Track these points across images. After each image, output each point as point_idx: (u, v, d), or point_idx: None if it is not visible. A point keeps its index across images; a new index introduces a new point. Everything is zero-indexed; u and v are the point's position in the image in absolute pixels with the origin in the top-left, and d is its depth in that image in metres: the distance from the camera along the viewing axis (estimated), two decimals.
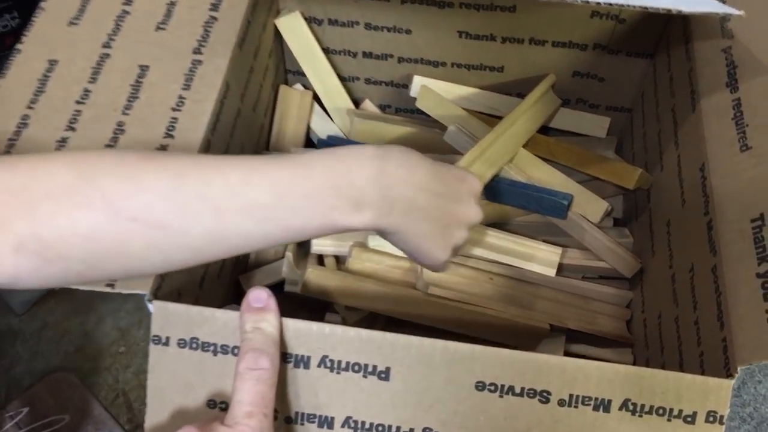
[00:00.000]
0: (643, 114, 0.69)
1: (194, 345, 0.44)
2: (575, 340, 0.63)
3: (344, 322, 0.59)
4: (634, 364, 0.61)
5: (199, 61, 0.55)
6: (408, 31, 0.69)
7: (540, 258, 0.59)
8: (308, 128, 0.73)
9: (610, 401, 0.42)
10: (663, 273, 0.57)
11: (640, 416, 0.42)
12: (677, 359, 0.51)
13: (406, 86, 0.75)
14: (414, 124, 0.71)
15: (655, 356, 0.56)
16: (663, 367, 0.54)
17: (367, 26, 0.69)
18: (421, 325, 0.58)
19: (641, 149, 0.68)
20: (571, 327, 0.60)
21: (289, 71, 0.76)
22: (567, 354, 0.62)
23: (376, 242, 0.60)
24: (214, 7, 0.58)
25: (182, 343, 0.44)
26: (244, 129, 0.62)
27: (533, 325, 0.58)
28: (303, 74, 0.74)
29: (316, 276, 0.55)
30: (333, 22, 0.70)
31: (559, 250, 0.60)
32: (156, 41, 0.56)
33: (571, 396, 0.42)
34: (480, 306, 0.57)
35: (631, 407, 0.42)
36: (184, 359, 0.44)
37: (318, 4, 0.68)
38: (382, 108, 0.77)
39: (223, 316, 0.44)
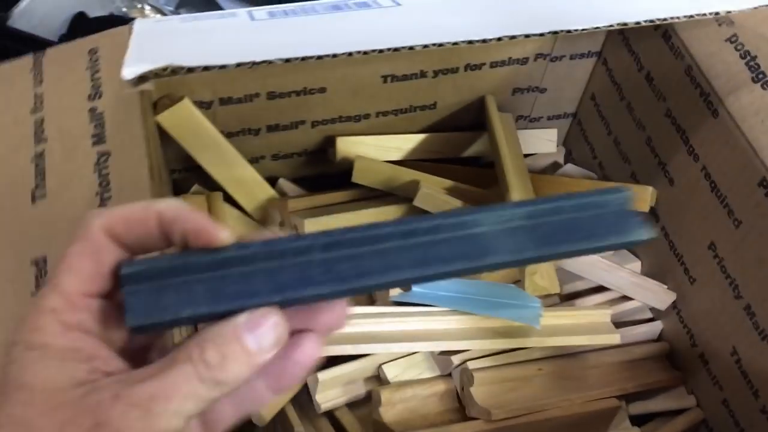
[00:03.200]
0: (603, 118, 0.61)
1: None
2: (627, 400, 0.54)
3: None
4: (698, 405, 0.54)
5: None
6: (322, 90, 0.55)
7: (592, 326, 0.49)
8: None
9: None
10: (723, 304, 0.49)
11: None
12: None
13: (323, 150, 0.60)
14: (366, 201, 0.58)
15: (739, 395, 0.49)
16: (764, 411, 0.47)
17: (271, 96, 0.54)
18: None
19: (614, 159, 0.59)
20: (632, 391, 0.51)
21: (172, 171, 0.59)
22: (631, 419, 0.53)
23: (393, 372, 0.47)
24: (98, 138, 0.40)
25: None
26: None
27: (604, 407, 0.48)
28: (190, 170, 0.57)
29: None
30: (226, 101, 0.54)
31: (607, 309, 0.50)
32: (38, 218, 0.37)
33: None
34: (543, 409, 0.46)
35: None
36: None
37: (202, 83, 0.52)
38: (298, 182, 0.63)
39: None
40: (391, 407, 0.45)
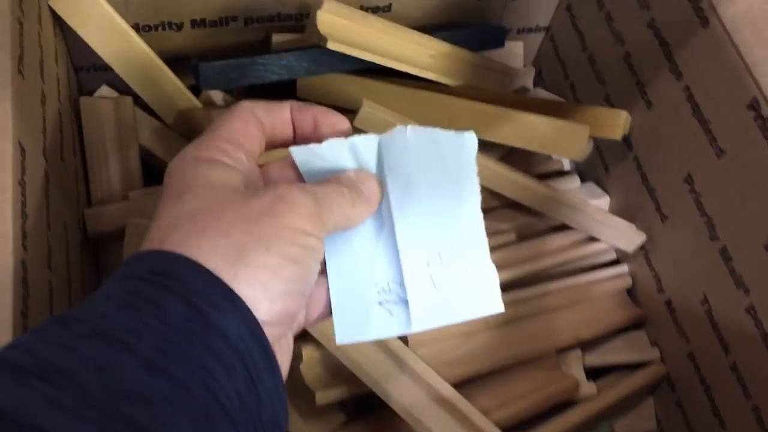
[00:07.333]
0: (578, 32, 0.53)
1: None
2: (584, 349, 0.48)
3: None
4: (661, 359, 0.48)
5: None
6: None
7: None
8: (139, 152, 0.49)
9: None
10: (697, 246, 0.43)
11: None
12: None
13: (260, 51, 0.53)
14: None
15: (707, 349, 0.43)
16: (734, 368, 0.42)
17: None
18: None
19: (588, 79, 0.52)
20: (586, 338, 0.46)
21: (79, 69, 0.51)
22: (586, 369, 0.47)
23: None
24: None
25: None
26: (59, 197, 0.38)
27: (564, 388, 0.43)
28: (101, 69, 0.50)
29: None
30: None
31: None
32: None
33: None
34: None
35: None
36: None
37: None
38: (231, 93, 0.55)
39: None
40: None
